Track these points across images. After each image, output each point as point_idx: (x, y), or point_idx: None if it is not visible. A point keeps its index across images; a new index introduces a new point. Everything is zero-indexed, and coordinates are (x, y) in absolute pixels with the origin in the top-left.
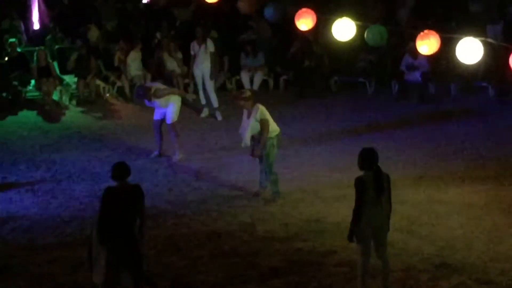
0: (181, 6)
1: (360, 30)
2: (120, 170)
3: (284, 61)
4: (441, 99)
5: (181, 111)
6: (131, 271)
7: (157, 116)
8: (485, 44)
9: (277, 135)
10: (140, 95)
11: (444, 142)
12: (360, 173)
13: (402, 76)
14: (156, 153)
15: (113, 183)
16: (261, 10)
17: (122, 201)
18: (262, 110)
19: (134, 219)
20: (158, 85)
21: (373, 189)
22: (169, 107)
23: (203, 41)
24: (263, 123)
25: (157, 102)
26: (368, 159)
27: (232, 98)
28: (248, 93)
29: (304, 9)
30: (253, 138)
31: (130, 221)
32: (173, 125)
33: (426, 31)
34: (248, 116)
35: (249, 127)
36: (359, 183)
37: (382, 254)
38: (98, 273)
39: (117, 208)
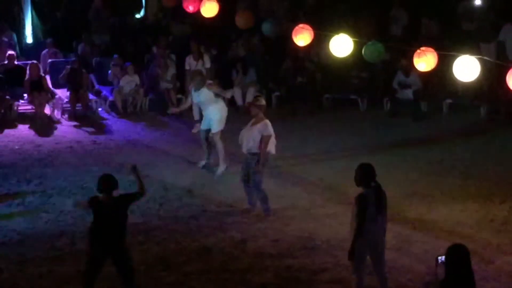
0: (177, 20)
1: (355, 46)
2: (107, 183)
3: (277, 77)
4: (433, 117)
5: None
6: (124, 282)
7: (203, 125)
8: (479, 62)
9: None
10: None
11: (435, 160)
12: (357, 189)
13: (394, 94)
14: (203, 162)
15: None
16: (256, 26)
17: (107, 213)
18: (269, 127)
19: (122, 230)
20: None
21: (373, 206)
22: (214, 116)
23: (200, 56)
24: (266, 139)
25: (202, 103)
26: (368, 175)
27: (247, 104)
28: (262, 102)
29: (301, 25)
30: (247, 161)
31: (118, 232)
32: (217, 134)
33: (423, 48)
34: (252, 124)
35: (251, 137)
36: (362, 200)
37: (380, 270)
38: None
39: (106, 219)
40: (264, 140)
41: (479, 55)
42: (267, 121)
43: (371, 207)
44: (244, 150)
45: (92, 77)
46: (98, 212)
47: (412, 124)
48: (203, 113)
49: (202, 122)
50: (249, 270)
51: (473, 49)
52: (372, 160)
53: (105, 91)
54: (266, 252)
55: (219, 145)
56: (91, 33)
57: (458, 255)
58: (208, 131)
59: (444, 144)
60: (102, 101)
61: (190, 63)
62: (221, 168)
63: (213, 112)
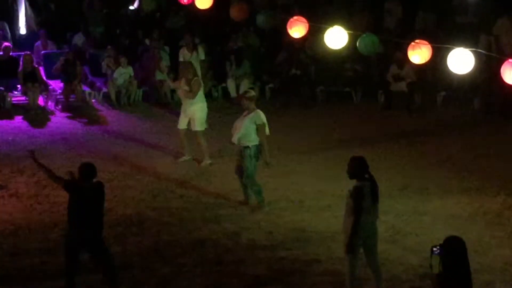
0: (171, 13)
1: (349, 39)
2: (88, 171)
3: (271, 69)
4: (427, 109)
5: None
6: (104, 268)
7: (181, 125)
8: (474, 55)
9: (255, 145)
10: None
11: (429, 152)
12: (351, 182)
13: (388, 86)
14: (185, 158)
15: None
16: (251, 18)
17: (86, 199)
18: (261, 115)
19: (99, 216)
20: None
21: (368, 198)
22: (195, 114)
23: (194, 48)
24: (261, 128)
25: (183, 104)
26: (361, 167)
27: (238, 98)
28: (252, 94)
29: (296, 17)
30: (241, 154)
31: (96, 218)
32: (201, 133)
33: (417, 40)
34: (244, 116)
35: (242, 127)
36: (358, 193)
37: (373, 262)
38: None
39: (83, 205)
40: (259, 129)
41: (476, 47)
42: (259, 111)
43: (366, 199)
44: (235, 141)
45: (85, 68)
46: (77, 196)
47: (406, 117)
48: (183, 108)
49: (181, 120)
50: (243, 262)
51: (468, 42)
52: (366, 153)
53: (99, 83)
54: (260, 244)
55: (203, 144)
56: (85, 24)
57: (456, 247)
58: (186, 130)
59: (438, 136)
60: (96, 92)
61: (184, 55)
62: (207, 161)
63: (196, 112)
